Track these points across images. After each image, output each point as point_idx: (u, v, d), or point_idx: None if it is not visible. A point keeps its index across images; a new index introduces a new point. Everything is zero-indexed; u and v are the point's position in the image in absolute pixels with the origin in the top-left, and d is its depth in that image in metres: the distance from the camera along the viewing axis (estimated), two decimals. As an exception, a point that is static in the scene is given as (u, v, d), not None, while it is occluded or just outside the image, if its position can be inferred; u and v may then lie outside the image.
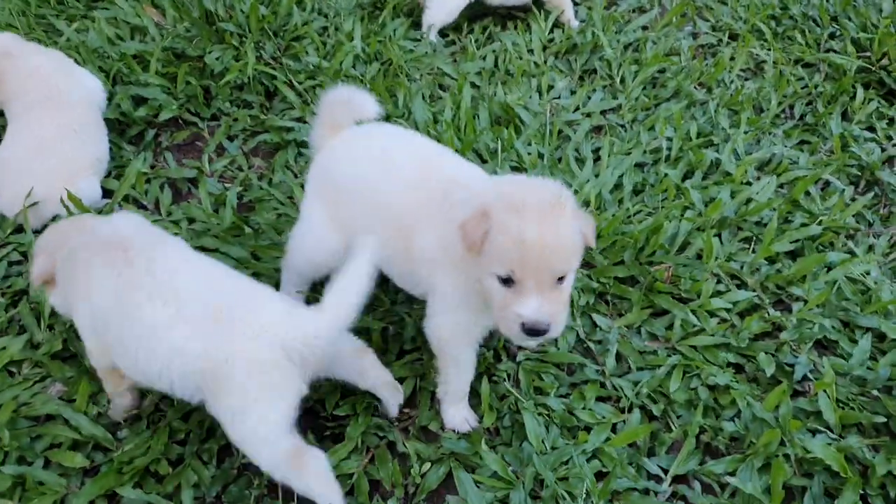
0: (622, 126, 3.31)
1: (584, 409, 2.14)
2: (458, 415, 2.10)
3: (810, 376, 2.25)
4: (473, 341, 1.96)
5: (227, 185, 2.95)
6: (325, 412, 2.15)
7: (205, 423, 2.09)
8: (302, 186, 2.82)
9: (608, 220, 2.67)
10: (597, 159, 3.05)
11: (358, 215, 2.02)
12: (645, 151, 3.10)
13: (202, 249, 2.60)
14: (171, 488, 1.98)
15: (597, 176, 2.93)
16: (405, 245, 1.91)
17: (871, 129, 3.37)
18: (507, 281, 1.62)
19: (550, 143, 3.10)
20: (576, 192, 2.85)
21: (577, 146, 3.12)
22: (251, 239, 2.63)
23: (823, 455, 1.95)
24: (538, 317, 1.59)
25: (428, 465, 2.04)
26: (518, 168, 2.96)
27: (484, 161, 2.99)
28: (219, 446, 2.05)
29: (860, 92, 3.51)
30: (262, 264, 2.51)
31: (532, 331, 1.60)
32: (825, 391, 2.14)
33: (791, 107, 3.52)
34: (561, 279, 1.63)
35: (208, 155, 3.07)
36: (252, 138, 3.18)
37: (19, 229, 2.69)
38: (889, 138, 3.32)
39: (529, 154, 2.99)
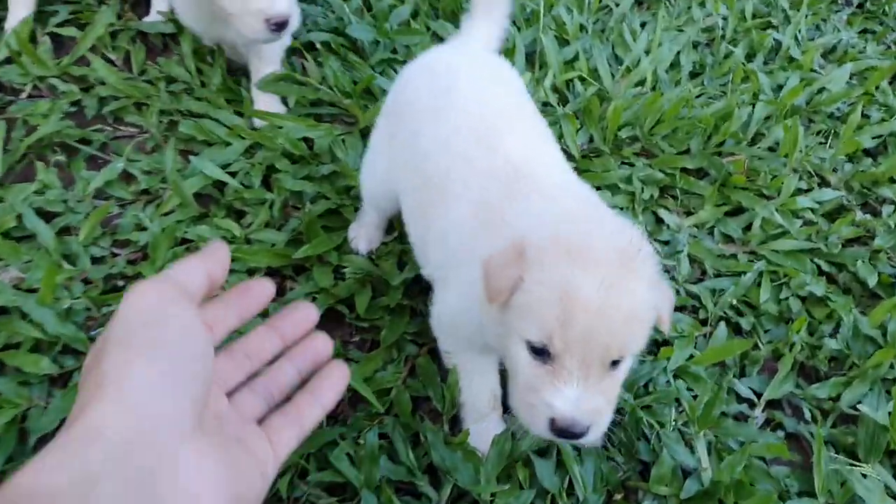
0: (668, 1, 2.88)
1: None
2: (482, 433, 1.53)
3: (916, 289, 1.96)
4: (480, 347, 1.44)
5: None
6: (351, 315, 1.76)
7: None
8: (301, 48, 2.35)
9: (670, 103, 2.28)
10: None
11: (402, 154, 1.59)
12: (698, 30, 2.70)
13: (188, 114, 2.13)
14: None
15: (647, 53, 2.52)
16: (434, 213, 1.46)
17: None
18: (540, 352, 1.10)
19: (590, 14, 2.67)
20: (629, 69, 2.45)
21: (621, 19, 2.69)
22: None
23: (948, 380, 1.67)
24: (576, 415, 1.09)
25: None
26: (560, 38, 2.52)
27: (518, 28, 2.54)
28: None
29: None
30: (262, 133, 2.05)
31: (563, 432, 1.10)
32: (937, 306, 1.85)
33: (848, -9, 3.15)
34: (615, 363, 1.12)
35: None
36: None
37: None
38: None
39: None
